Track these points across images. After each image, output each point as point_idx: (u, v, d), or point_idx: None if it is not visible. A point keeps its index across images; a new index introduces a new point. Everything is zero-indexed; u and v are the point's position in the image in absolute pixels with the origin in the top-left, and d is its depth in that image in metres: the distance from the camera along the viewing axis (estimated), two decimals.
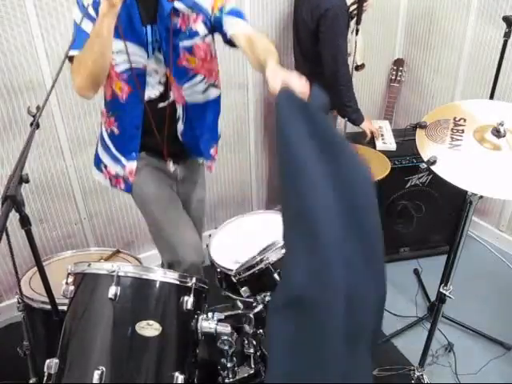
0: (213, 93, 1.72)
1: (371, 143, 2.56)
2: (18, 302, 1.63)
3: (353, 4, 2.40)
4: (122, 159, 1.72)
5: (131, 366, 1.30)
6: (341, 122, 2.48)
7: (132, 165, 1.71)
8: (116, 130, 1.68)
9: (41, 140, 2.24)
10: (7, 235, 1.16)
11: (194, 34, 1.57)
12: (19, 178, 1.23)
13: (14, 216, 1.22)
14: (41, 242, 2.44)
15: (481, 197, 1.52)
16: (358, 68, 2.53)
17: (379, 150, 2.42)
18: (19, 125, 2.17)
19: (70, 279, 1.40)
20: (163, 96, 1.63)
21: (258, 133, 2.91)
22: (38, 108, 1.59)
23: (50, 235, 2.47)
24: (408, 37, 3.20)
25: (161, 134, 1.68)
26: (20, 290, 1.49)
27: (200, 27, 1.58)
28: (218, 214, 3.01)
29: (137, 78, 1.58)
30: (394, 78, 3.19)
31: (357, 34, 2.42)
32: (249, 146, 2.92)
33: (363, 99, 3.26)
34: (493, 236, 2.99)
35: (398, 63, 3.19)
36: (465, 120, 1.57)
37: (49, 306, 1.47)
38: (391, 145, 2.57)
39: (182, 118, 1.69)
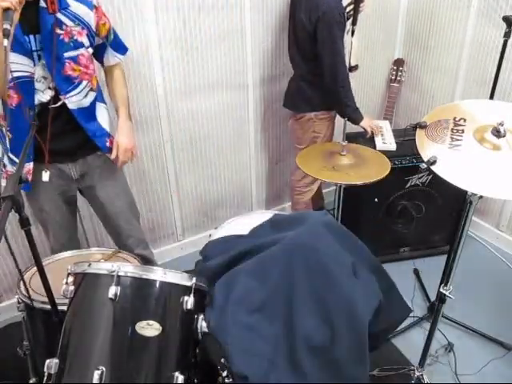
0: (92, 96, 1.81)
1: (371, 143, 2.56)
2: (18, 302, 1.63)
3: (349, 5, 2.41)
4: (15, 159, 1.77)
5: (131, 366, 1.30)
6: (341, 121, 2.48)
7: (28, 165, 1.76)
8: (9, 135, 1.73)
9: None
10: (5, 236, 1.16)
11: (79, 46, 1.70)
12: (18, 178, 1.23)
13: (14, 216, 1.22)
14: (41, 242, 2.43)
15: (481, 197, 1.52)
16: (352, 69, 2.53)
17: (379, 150, 2.42)
18: None
19: (70, 279, 1.40)
20: (55, 99, 1.70)
21: (257, 133, 2.92)
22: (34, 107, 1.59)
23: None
24: (408, 37, 3.20)
25: (48, 133, 1.72)
26: (27, 290, 1.47)
27: (84, 39, 1.71)
28: (218, 213, 3.01)
29: (25, 85, 1.63)
30: (394, 78, 3.19)
31: (352, 34, 2.43)
32: (249, 146, 2.92)
33: (363, 99, 3.27)
34: (493, 236, 2.99)
35: (398, 63, 3.19)
36: (465, 120, 1.57)
37: (49, 306, 1.47)
38: (391, 145, 2.57)
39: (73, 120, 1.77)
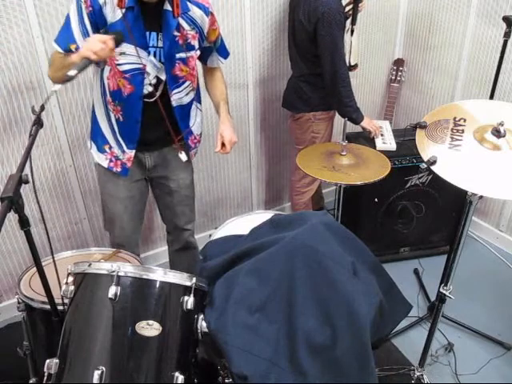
0: (192, 95, 1.90)
1: (371, 143, 2.56)
2: (18, 302, 1.63)
3: (348, 4, 2.41)
4: (124, 145, 1.86)
5: (131, 366, 1.30)
6: (340, 121, 2.47)
7: (131, 153, 1.87)
8: (121, 118, 1.81)
9: (41, 140, 2.24)
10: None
11: (191, 48, 1.79)
12: (19, 179, 1.23)
13: (14, 216, 1.22)
14: (41, 242, 2.44)
15: (481, 197, 1.52)
16: (352, 68, 2.54)
17: (379, 150, 2.42)
18: (19, 125, 2.17)
19: (70, 279, 1.40)
20: (151, 95, 1.78)
21: (257, 133, 2.92)
22: (42, 107, 1.59)
23: (50, 235, 2.47)
24: (408, 37, 3.21)
25: (152, 126, 1.83)
26: (50, 294, 1.47)
27: (196, 43, 1.80)
28: (218, 213, 3.01)
29: (137, 76, 1.72)
30: (394, 78, 3.19)
31: (352, 34, 2.43)
32: (249, 146, 2.92)
33: (363, 99, 3.27)
34: (493, 236, 2.99)
35: (398, 63, 3.19)
36: (465, 120, 1.57)
37: (49, 306, 1.47)
38: (391, 145, 2.57)
39: (168, 117, 1.84)
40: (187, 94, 1.87)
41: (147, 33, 1.68)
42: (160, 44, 1.70)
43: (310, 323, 1.35)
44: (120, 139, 1.85)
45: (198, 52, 1.84)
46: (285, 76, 2.73)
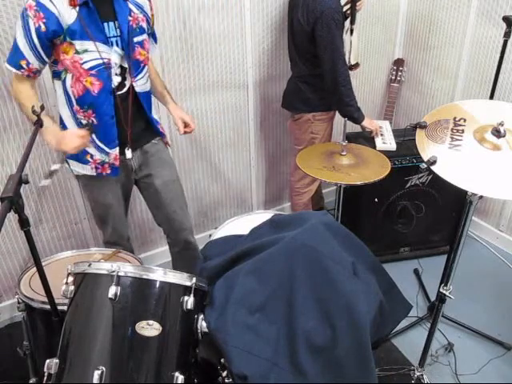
0: (149, 82, 1.92)
1: (371, 143, 2.56)
2: (18, 302, 1.63)
3: (346, 4, 2.41)
4: (105, 148, 1.83)
5: (131, 366, 1.30)
6: (339, 121, 2.47)
7: (115, 151, 1.84)
8: (95, 121, 1.77)
9: (41, 140, 2.23)
10: None
11: (143, 31, 1.80)
12: (19, 179, 1.23)
13: (14, 216, 1.22)
14: (41, 242, 2.44)
15: (481, 197, 1.52)
16: (352, 68, 2.53)
17: (379, 150, 2.42)
18: (19, 125, 2.17)
19: (70, 279, 1.40)
20: (120, 85, 1.78)
21: (257, 133, 2.92)
22: (41, 107, 1.59)
23: (50, 235, 2.47)
24: (408, 37, 3.21)
25: (125, 121, 1.82)
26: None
27: (145, 26, 1.81)
28: (218, 213, 3.01)
29: (104, 71, 1.71)
30: (394, 78, 3.19)
31: (351, 33, 2.42)
32: (249, 146, 2.92)
33: (363, 99, 3.27)
34: (493, 236, 2.99)
35: (398, 63, 3.19)
36: (465, 120, 1.57)
37: (49, 306, 1.47)
38: (391, 145, 2.57)
39: (138, 105, 1.85)
40: (148, 80, 1.88)
41: (104, 24, 1.67)
42: (118, 32, 1.70)
43: (310, 323, 1.35)
44: (99, 143, 1.81)
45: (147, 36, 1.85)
46: (285, 76, 2.73)
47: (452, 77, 2.97)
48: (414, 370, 2.01)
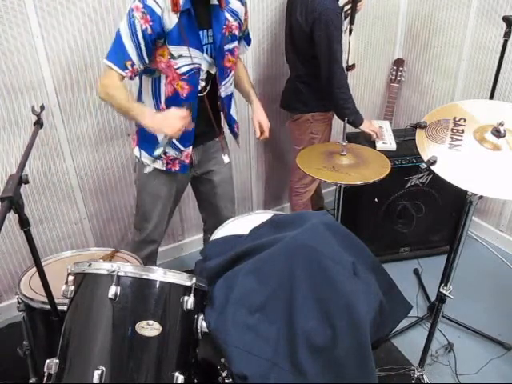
0: (233, 85, 1.97)
1: (371, 143, 2.56)
2: (18, 302, 1.63)
3: (346, 4, 2.41)
4: (180, 146, 1.88)
5: (131, 366, 1.30)
6: (339, 122, 2.47)
7: (188, 150, 1.90)
8: None
9: (41, 140, 2.24)
10: None
11: (235, 39, 1.84)
12: (19, 179, 1.23)
13: (14, 216, 1.22)
14: (41, 242, 2.44)
15: (481, 197, 1.52)
16: (349, 68, 2.53)
17: (379, 150, 2.42)
18: (19, 125, 2.17)
19: (70, 279, 1.40)
20: (202, 90, 1.83)
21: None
22: (41, 107, 1.60)
23: (50, 235, 2.47)
24: (408, 37, 3.20)
25: (200, 120, 1.86)
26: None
27: (237, 33, 1.85)
28: None
29: (194, 76, 1.77)
30: (394, 78, 3.19)
31: (350, 33, 2.43)
32: (249, 146, 2.92)
33: (363, 99, 3.27)
34: (493, 236, 2.99)
35: (398, 63, 3.19)
36: (465, 120, 1.57)
37: (49, 306, 1.47)
38: (391, 145, 2.57)
39: (220, 108, 1.93)
40: (231, 84, 1.92)
41: (200, 32, 1.71)
42: (210, 40, 1.74)
43: (310, 323, 1.35)
44: (176, 142, 1.85)
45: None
46: (285, 76, 2.72)
47: (452, 77, 2.97)
48: (414, 370, 2.01)
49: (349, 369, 1.32)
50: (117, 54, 1.65)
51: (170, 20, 1.63)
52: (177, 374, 1.33)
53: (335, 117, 2.54)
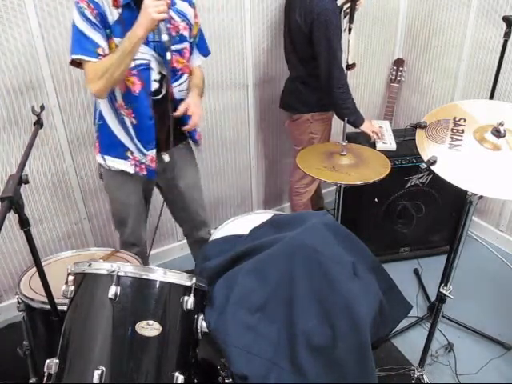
0: (188, 89, 1.91)
1: (371, 143, 2.56)
2: (18, 302, 1.63)
3: (345, 3, 2.41)
4: (142, 148, 1.86)
5: (131, 366, 1.29)
6: (339, 122, 2.47)
7: (152, 153, 1.86)
8: (134, 121, 1.81)
9: (41, 140, 2.24)
10: None
11: (184, 39, 1.81)
12: (19, 179, 1.23)
13: (14, 216, 1.22)
14: (41, 242, 2.44)
15: (481, 197, 1.52)
16: (349, 67, 2.53)
17: (379, 150, 2.42)
18: (19, 125, 2.17)
19: (70, 279, 1.40)
20: (157, 92, 1.80)
21: (257, 133, 2.92)
22: (41, 107, 1.60)
23: (50, 235, 2.47)
24: (408, 37, 3.21)
25: (161, 125, 1.83)
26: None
27: (186, 33, 1.82)
28: (218, 213, 3.01)
29: (144, 72, 1.74)
30: (394, 78, 3.19)
31: (349, 32, 2.42)
32: (249, 146, 2.92)
33: (363, 99, 3.27)
34: (493, 236, 2.99)
35: (398, 63, 3.19)
36: (465, 120, 1.57)
37: (49, 306, 1.47)
38: (391, 145, 2.57)
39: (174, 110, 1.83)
40: (186, 88, 1.89)
41: None
42: (157, 38, 1.71)
43: (310, 323, 1.35)
44: (138, 143, 1.84)
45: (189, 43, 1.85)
46: (285, 76, 2.72)
47: (452, 77, 2.97)
48: (414, 370, 2.01)
49: (349, 369, 1.32)
50: (85, 45, 1.63)
51: (112, 14, 1.63)
52: (177, 374, 1.33)
53: (335, 117, 2.54)
